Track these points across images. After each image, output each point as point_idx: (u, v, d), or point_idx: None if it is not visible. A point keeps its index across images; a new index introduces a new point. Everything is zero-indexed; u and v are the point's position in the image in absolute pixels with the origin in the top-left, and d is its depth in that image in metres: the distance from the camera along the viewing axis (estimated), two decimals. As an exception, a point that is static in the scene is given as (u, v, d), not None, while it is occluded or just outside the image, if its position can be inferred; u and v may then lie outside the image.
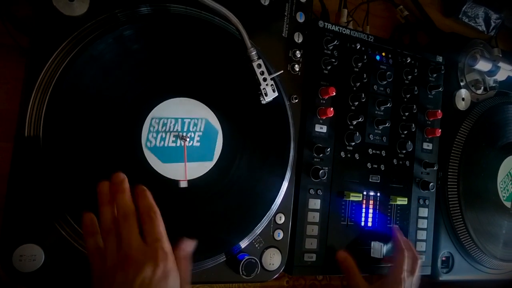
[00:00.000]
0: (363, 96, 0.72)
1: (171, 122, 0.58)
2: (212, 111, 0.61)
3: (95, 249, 0.47)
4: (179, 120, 0.59)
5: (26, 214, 0.49)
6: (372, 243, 0.74)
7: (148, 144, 0.56)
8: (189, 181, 0.59)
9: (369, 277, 0.90)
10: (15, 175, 0.49)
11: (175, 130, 0.58)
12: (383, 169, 0.76)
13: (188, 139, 0.58)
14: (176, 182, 0.58)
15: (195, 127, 0.60)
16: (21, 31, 0.58)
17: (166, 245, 0.47)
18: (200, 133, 0.60)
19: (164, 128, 0.58)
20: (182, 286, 0.48)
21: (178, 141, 0.58)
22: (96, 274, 0.46)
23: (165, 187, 0.57)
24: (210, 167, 0.60)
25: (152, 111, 0.56)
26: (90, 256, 0.47)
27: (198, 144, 0.60)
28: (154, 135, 0.57)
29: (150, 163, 0.56)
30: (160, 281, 0.44)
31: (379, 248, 0.73)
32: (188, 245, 0.52)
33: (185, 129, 0.59)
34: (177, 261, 0.49)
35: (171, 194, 0.58)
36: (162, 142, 0.57)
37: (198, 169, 0.60)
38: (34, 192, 0.50)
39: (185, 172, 0.58)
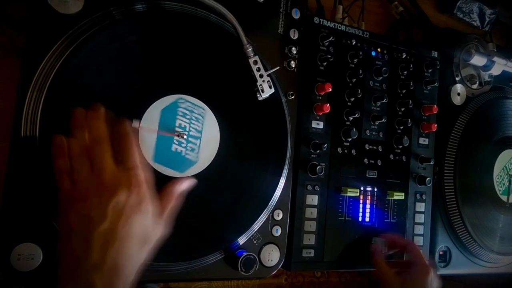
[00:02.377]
0: (359, 92, 0.72)
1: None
2: (209, 108, 0.61)
3: (64, 172, 0.46)
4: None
5: (23, 213, 0.49)
6: (373, 238, 0.74)
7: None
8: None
9: (365, 273, 0.90)
10: (12, 174, 0.49)
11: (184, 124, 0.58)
12: (379, 164, 0.76)
13: (185, 136, 0.58)
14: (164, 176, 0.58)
15: (192, 124, 0.59)
16: (16, 30, 0.58)
17: (141, 173, 0.46)
18: (197, 131, 0.60)
19: (181, 114, 0.58)
20: (156, 218, 0.47)
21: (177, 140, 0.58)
22: (65, 198, 0.45)
23: (163, 184, 0.57)
24: (203, 168, 0.60)
25: (149, 108, 0.56)
26: (58, 179, 0.46)
27: (195, 142, 0.60)
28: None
29: (144, 154, 0.56)
30: (133, 207, 0.44)
31: (380, 243, 0.74)
32: (178, 183, 0.52)
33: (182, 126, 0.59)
34: (159, 195, 0.49)
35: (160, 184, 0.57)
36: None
37: (196, 166, 0.60)
38: (32, 191, 0.49)
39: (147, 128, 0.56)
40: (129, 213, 0.44)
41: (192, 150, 0.59)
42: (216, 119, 0.61)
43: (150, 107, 0.56)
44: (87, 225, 0.43)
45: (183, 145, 0.58)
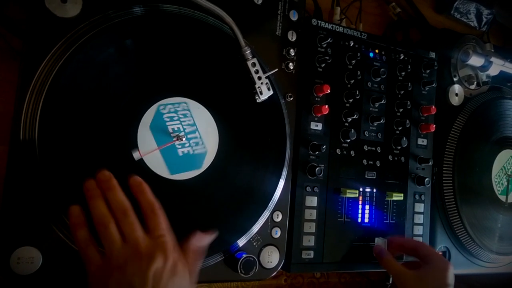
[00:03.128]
0: (357, 93, 0.73)
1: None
2: (208, 110, 0.61)
3: (88, 242, 0.46)
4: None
5: (23, 217, 0.49)
6: (376, 239, 0.74)
7: (144, 144, 0.56)
8: (186, 181, 0.59)
9: (365, 273, 0.90)
10: (11, 178, 0.49)
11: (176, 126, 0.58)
12: (378, 165, 0.76)
13: (184, 139, 0.58)
14: (174, 182, 0.58)
15: (190, 127, 0.60)
16: (14, 33, 0.58)
17: (170, 239, 0.47)
18: (195, 134, 0.60)
19: (168, 119, 0.58)
20: (191, 279, 0.49)
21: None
22: (98, 269, 0.45)
23: (164, 187, 0.57)
24: (212, 159, 0.60)
25: (138, 132, 0.56)
26: (83, 251, 0.46)
27: (195, 145, 0.60)
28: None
29: (147, 164, 0.56)
30: (171, 272, 0.45)
31: (382, 244, 0.74)
32: (200, 239, 0.52)
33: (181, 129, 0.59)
34: (186, 255, 0.49)
35: (169, 194, 0.58)
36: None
37: (208, 156, 0.60)
38: (31, 194, 0.50)
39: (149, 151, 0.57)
40: (167, 277, 0.45)
41: (197, 144, 0.59)
42: (215, 120, 0.61)
43: (138, 129, 0.56)
44: None
45: (187, 145, 0.59)
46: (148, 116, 0.57)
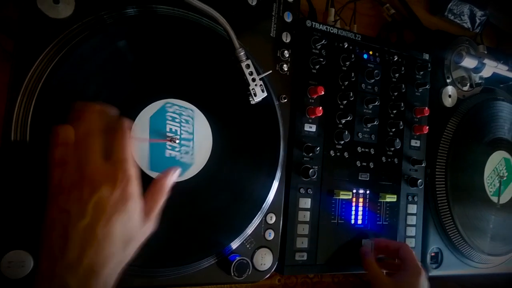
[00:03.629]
0: (351, 94, 0.73)
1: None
2: (202, 112, 0.60)
3: (57, 163, 0.44)
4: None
5: (14, 220, 0.49)
6: (363, 240, 0.74)
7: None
8: (180, 183, 0.58)
9: (358, 274, 0.91)
10: (2, 179, 0.49)
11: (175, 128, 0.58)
12: (372, 167, 0.77)
13: (177, 140, 0.58)
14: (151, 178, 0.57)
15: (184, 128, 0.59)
16: (5, 33, 0.57)
17: (131, 168, 0.44)
18: (189, 134, 0.60)
19: (170, 118, 0.58)
20: (144, 217, 0.45)
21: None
22: (52, 191, 0.43)
23: (146, 184, 0.56)
24: (200, 168, 0.60)
25: (137, 117, 0.56)
26: (50, 169, 0.43)
27: (188, 144, 0.59)
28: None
29: (134, 156, 0.55)
30: (117, 205, 0.42)
31: (369, 245, 0.74)
32: (166, 178, 0.49)
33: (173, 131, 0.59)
34: (149, 193, 0.47)
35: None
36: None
37: (192, 168, 0.60)
38: (22, 197, 0.49)
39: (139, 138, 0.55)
40: (112, 211, 0.41)
41: (187, 152, 0.59)
42: (208, 120, 0.61)
43: (138, 115, 0.55)
44: (66, 221, 0.40)
45: (177, 149, 0.58)
46: (152, 108, 0.56)
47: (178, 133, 0.58)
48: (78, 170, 0.42)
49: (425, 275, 0.69)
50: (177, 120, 0.58)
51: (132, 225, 0.44)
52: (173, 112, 0.58)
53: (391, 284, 0.67)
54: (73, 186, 0.42)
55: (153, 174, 0.56)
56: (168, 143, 0.57)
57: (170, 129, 0.58)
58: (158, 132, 0.57)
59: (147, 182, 0.52)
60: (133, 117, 0.55)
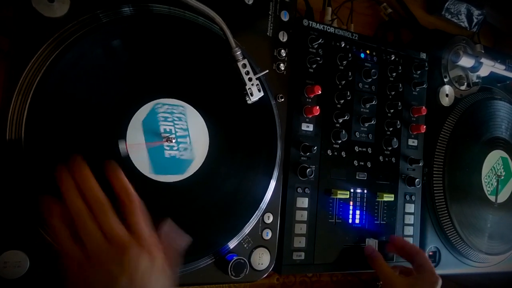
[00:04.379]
0: (348, 94, 0.73)
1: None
2: (198, 112, 0.60)
3: (64, 233, 0.45)
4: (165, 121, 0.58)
5: (9, 220, 0.48)
6: (367, 239, 0.74)
7: (134, 146, 0.56)
8: (178, 182, 0.58)
9: (356, 273, 0.91)
10: (-3, 180, 0.49)
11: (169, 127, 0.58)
12: (369, 166, 0.77)
13: (173, 140, 0.58)
14: (158, 183, 0.57)
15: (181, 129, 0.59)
16: (1, 33, 0.57)
17: (148, 235, 0.47)
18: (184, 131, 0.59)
19: (162, 118, 0.57)
20: (167, 273, 0.48)
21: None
22: (75, 267, 0.44)
23: (148, 187, 0.56)
24: (197, 168, 0.60)
25: (137, 112, 0.56)
26: (60, 241, 0.45)
27: (185, 146, 0.59)
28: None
29: (134, 163, 0.56)
30: (157, 269, 0.45)
31: (373, 244, 0.74)
32: (180, 240, 0.52)
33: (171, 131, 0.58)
34: (167, 255, 0.49)
35: (158, 195, 0.57)
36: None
37: (194, 163, 0.60)
38: (17, 197, 0.49)
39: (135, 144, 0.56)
40: (145, 281, 0.44)
41: (185, 149, 0.59)
42: (205, 120, 0.61)
43: (130, 122, 0.55)
44: (109, 280, 0.43)
45: (175, 148, 0.58)
46: (143, 112, 0.56)
47: (173, 131, 0.58)
48: (112, 246, 0.44)
49: (440, 284, 0.69)
50: (169, 119, 0.58)
51: (163, 283, 0.47)
52: (164, 112, 0.58)
53: (407, 285, 0.67)
54: (102, 255, 0.44)
55: (157, 177, 0.57)
56: (165, 143, 0.57)
57: (165, 129, 0.58)
58: (153, 134, 0.57)
59: (151, 187, 0.53)
60: (128, 120, 0.55)
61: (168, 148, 0.58)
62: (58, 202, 0.46)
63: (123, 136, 0.55)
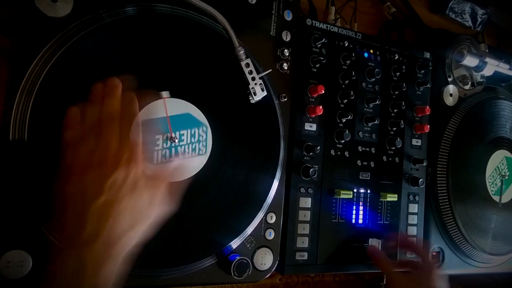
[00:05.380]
0: (352, 93, 0.72)
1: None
2: (201, 111, 0.60)
3: (71, 142, 0.46)
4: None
5: (12, 220, 0.48)
6: (370, 240, 0.74)
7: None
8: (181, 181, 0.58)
9: (359, 273, 0.90)
10: (0, 179, 0.48)
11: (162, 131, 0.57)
12: (373, 166, 0.76)
13: (177, 140, 0.57)
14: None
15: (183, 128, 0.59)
16: (3, 33, 0.57)
17: (140, 153, 0.47)
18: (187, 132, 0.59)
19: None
20: (151, 199, 0.48)
21: (168, 143, 0.57)
22: (64, 170, 0.45)
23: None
24: (200, 168, 0.60)
25: (139, 112, 0.55)
26: (63, 149, 0.46)
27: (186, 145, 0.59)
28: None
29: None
30: (129, 186, 0.45)
31: (376, 245, 0.74)
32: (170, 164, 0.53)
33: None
34: (155, 176, 0.49)
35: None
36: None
37: (188, 169, 0.59)
38: (20, 197, 0.49)
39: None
40: (124, 191, 0.44)
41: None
42: (207, 119, 0.60)
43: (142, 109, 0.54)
44: (83, 199, 0.43)
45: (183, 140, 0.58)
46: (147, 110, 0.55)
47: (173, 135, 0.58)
48: (96, 153, 0.45)
49: (437, 272, 0.71)
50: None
51: (142, 206, 0.47)
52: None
53: (404, 280, 0.69)
54: (90, 167, 0.44)
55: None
56: (174, 144, 0.57)
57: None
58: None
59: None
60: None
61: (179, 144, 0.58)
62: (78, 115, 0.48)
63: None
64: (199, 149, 0.59)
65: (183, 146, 0.58)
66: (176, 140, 0.57)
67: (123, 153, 0.45)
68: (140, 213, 0.47)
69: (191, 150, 0.59)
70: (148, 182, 0.47)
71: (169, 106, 0.57)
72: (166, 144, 0.57)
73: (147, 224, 0.48)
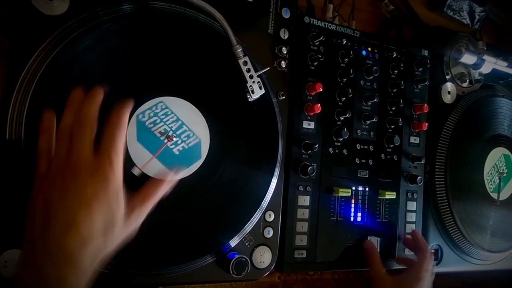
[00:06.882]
0: (350, 91, 0.72)
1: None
2: (199, 110, 0.60)
3: (45, 150, 0.45)
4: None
5: (10, 219, 0.48)
6: (368, 237, 0.74)
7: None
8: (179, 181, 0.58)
9: (358, 271, 0.90)
10: (-3, 179, 0.48)
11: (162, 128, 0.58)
12: (371, 164, 0.76)
13: (174, 140, 0.57)
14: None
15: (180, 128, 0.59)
16: (1, 32, 0.57)
17: (116, 159, 0.44)
18: (186, 133, 0.59)
19: (151, 125, 0.57)
20: (128, 211, 0.45)
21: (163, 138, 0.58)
22: (37, 178, 0.44)
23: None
24: (198, 166, 0.60)
25: (137, 110, 0.55)
26: (38, 156, 0.45)
27: (183, 145, 0.59)
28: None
29: (154, 176, 0.55)
30: (97, 192, 0.42)
31: (375, 242, 0.74)
32: (156, 187, 0.48)
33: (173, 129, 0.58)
34: (141, 189, 0.47)
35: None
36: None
37: (203, 144, 0.60)
38: (18, 196, 0.48)
39: (146, 162, 0.56)
40: (91, 198, 0.41)
41: (189, 136, 0.59)
42: (205, 118, 0.60)
43: (128, 147, 0.55)
44: (47, 209, 0.41)
45: (179, 142, 0.58)
46: (131, 131, 0.55)
47: (168, 129, 0.58)
48: (66, 160, 0.43)
49: (424, 268, 0.71)
50: (158, 122, 0.57)
51: (112, 214, 0.43)
52: (149, 118, 0.57)
53: (391, 283, 0.69)
54: (57, 174, 0.42)
55: (182, 174, 0.57)
56: (169, 143, 0.57)
57: (160, 131, 0.57)
58: (153, 144, 0.57)
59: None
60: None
61: (173, 146, 0.58)
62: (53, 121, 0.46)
63: (130, 163, 0.55)
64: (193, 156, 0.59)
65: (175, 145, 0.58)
66: (174, 137, 0.57)
67: (94, 160, 0.43)
68: (110, 221, 0.43)
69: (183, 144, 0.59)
70: (122, 197, 0.45)
71: (169, 104, 0.57)
72: (174, 145, 0.58)
73: (120, 235, 0.45)
